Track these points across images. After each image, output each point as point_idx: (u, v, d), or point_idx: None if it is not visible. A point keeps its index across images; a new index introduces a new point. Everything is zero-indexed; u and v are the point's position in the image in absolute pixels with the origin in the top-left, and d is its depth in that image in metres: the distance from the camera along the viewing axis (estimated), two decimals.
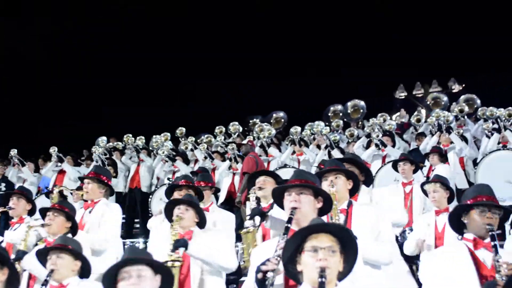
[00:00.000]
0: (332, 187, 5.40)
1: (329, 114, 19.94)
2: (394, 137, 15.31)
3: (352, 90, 21.64)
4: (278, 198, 4.90)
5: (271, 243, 4.50)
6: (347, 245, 3.84)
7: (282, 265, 3.96)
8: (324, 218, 4.83)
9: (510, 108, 15.09)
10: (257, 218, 6.31)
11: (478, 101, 18.97)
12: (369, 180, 6.72)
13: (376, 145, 14.31)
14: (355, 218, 5.36)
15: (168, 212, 6.48)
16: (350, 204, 5.50)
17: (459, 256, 4.56)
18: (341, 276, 3.83)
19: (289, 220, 4.52)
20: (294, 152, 15.25)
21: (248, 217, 6.56)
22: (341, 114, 19.79)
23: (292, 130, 15.68)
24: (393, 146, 14.65)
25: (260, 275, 3.99)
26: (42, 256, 5.71)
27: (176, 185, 8.10)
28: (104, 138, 17.44)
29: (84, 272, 5.65)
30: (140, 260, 4.25)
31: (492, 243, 4.46)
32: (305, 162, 14.94)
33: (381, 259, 5.19)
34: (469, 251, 4.58)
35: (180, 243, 5.85)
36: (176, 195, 7.93)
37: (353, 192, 5.72)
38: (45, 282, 5.51)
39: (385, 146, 14.24)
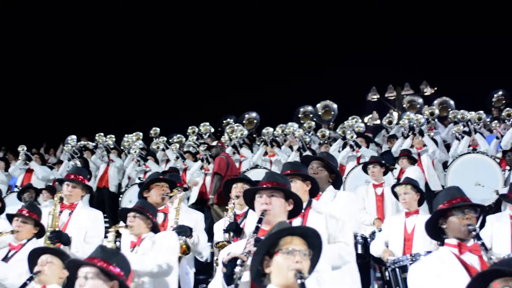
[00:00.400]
0: None
1: (299, 115, 19.91)
2: (369, 138, 15.39)
3: (324, 92, 21.62)
4: (249, 199, 4.94)
5: (239, 244, 4.49)
6: (315, 250, 3.87)
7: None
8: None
9: (480, 111, 15.22)
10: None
11: (452, 104, 19.12)
12: (338, 181, 6.70)
13: (351, 146, 14.36)
14: (310, 221, 5.38)
15: (124, 219, 6.57)
16: (308, 206, 5.53)
17: (447, 263, 4.53)
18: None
19: (260, 220, 4.58)
20: (266, 153, 15.26)
21: (224, 231, 6.59)
22: (311, 115, 19.76)
23: (264, 131, 15.73)
24: (368, 147, 14.73)
25: (224, 269, 3.99)
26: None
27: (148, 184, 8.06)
28: (74, 137, 17.29)
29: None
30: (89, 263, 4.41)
31: (479, 242, 4.45)
32: (277, 163, 14.94)
33: (333, 262, 5.10)
34: (455, 257, 4.57)
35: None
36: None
37: (314, 192, 5.75)
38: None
39: (359, 147, 14.30)
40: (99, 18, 25.77)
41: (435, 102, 19.41)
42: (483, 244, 4.40)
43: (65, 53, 25.74)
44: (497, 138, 14.34)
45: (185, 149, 16.51)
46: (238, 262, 3.97)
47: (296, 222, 5.31)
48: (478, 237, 4.48)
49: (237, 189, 7.60)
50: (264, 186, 4.80)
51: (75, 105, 25.35)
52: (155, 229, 6.53)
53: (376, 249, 8.24)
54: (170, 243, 6.41)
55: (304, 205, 5.42)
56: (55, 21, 25.47)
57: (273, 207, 4.67)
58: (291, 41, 26.22)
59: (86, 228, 7.41)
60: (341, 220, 5.46)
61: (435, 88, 23.88)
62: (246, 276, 4.05)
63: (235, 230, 6.41)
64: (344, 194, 6.66)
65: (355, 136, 14.54)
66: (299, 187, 5.56)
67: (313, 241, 3.87)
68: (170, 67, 26.60)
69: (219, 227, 7.30)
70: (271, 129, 15.76)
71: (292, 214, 4.87)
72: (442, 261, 4.54)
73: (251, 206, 4.95)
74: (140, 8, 26.56)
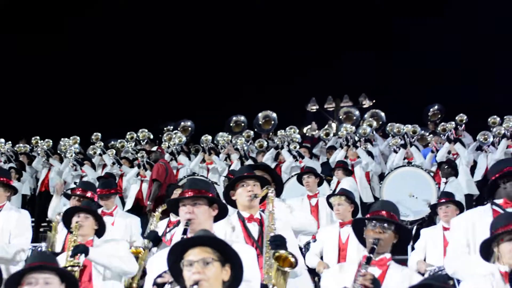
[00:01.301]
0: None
1: (231, 124, 19.90)
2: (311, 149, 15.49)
3: (266, 102, 21.66)
4: (173, 208, 4.96)
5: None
6: (227, 254, 3.78)
7: None
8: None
9: (415, 125, 15.48)
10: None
11: (383, 116, 19.40)
12: (279, 190, 6.72)
13: (294, 157, 14.41)
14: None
15: (67, 220, 6.37)
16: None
17: (348, 270, 4.58)
18: (229, 284, 3.77)
19: (185, 231, 4.55)
20: (204, 161, 15.21)
21: (143, 237, 6.54)
22: (243, 124, 19.78)
23: (202, 138, 15.69)
24: (311, 157, 14.82)
25: (158, 283, 3.95)
26: None
27: (71, 194, 8.02)
28: (2, 140, 16.91)
29: None
30: (49, 267, 4.25)
31: (368, 255, 4.48)
32: (214, 171, 14.95)
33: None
34: (356, 268, 4.59)
35: (80, 249, 5.81)
36: (73, 202, 7.84)
37: (263, 200, 5.72)
38: None
39: (302, 157, 14.37)
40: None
41: (366, 114, 19.70)
42: (368, 258, 4.46)
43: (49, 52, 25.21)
44: (432, 151, 14.58)
45: (122, 155, 16.35)
46: (166, 279, 3.97)
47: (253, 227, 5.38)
48: (371, 250, 4.53)
49: (177, 195, 7.51)
50: (187, 195, 4.77)
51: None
52: (100, 233, 6.41)
53: (311, 260, 8.26)
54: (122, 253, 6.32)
55: (259, 212, 5.53)
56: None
57: (197, 216, 4.66)
58: (238, 53, 26.22)
59: (10, 229, 7.27)
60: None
61: (374, 101, 24.18)
62: None
63: (154, 240, 6.37)
64: (282, 205, 6.68)
65: (298, 146, 14.61)
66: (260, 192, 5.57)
67: (220, 246, 3.79)
68: (167, 68, 26.30)
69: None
70: (209, 137, 15.73)
71: (217, 219, 4.87)
72: (349, 270, 4.60)
73: (177, 212, 4.89)
74: (135, 11, 26.29)
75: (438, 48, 24.92)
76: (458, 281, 7.17)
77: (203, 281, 3.62)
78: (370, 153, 14.88)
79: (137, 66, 25.46)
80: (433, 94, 22.26)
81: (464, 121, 16.18)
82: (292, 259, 4.56)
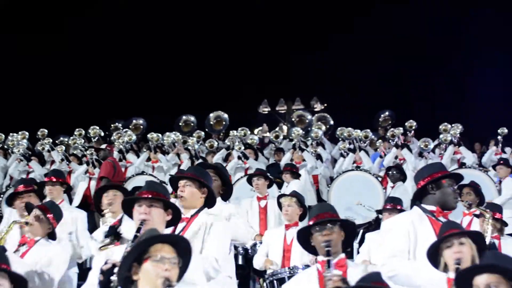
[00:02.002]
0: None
1: (180, 124, 19.83)
2: (257, 151, 15.50)
3: (218, 102, 21.64)
4: (127, 208, 4.91)
5: (119, 249, 4.44)
6: (184, 259, 3.86)
7: None
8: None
9: (367, 130, 15.65)
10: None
11: (330, 119, 19.58)
12: (228, 191, 6.72)
13: (239, 158, 14.43)
14: (190, 229, 5.30)
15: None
16: (195, 213, 5.44)
17: (309, 281, 4.59)
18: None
19: (138, 230, 4.54)
20: (149, 159, 15.16)
21: (104, 235, 6.46)
22: (192, 124, 19.73)
23: (149, 136, 15.61)
24: (256, 159, 14.85)
25: (101, 277, 3.94)
26: None
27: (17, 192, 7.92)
28: None
29: None
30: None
31: (326, 259, 4.52)
32: (159, 169, 14.90)
33: (195, 277, 4.89)
34: (317, 275, 4.62)
35: None
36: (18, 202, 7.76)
37: (210, 201, 5.66)
38: None
39: (247, 158, 14.40)
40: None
41: (314, 117, 19.86)
42: (328, 262, 4.47)
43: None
44: (381, 156, 14.75)
45: (71, 152, 16.18)
46: (115, 270, 3.91)
47: (179, 226, 5.28)
48: (328, 253, 4.54)
49: (108, 197, 7.40)
50: (144, 196, 4.78)
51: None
52: (53, 235, 6.34)
53: (258, 262, 8.33)
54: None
55: (193, 211, 5.43)
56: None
57: (152, 217, 4.68)
58: (192, 53, 26.18)
59: None
60: (218, 234, 5.34)
61: (325, 105, 24.36)
62: None
63: (115, 234, 6.30)
64: (232, 207, 6.70)
65: (242, 147, 14.64)
66: (192, 192, 5.51)
67: (183, 249, 3.87)
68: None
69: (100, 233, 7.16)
70: (155, 135, 15.66)
71: (170, 224, 4.90)
72: (304, 278, 4.62)
73: (129, 215, 4.91)
74: (135, 11, 26.10)
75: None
76: None
77: (172, 281, 3.69)
78: (319, 157, 15.01)
79: (134, 65, 25.40)
80: (384, 99, 22.55)
81: (413, 127, 16.42)
82: None
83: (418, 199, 5.47)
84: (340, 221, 4.82)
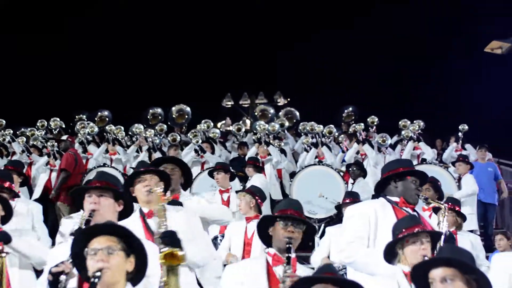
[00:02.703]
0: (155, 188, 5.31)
1: (148, 117, 19.70)
2: (214, 145, 15.44)
3: (180, 95, 21.58)
4: (78, 198, 4.82)
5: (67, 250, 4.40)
6: (133, 245, 3.78)
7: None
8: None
9: (330, 125, 15.74)
10: None
11: (298, 115, 19.63)
12: (188, 183, 6.69)
13: (196, 151, 14.39)
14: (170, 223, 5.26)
15: None
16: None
17: (256, 271, 4.58)
18: (133, 276, 3.77)
19: (88, 222, 4.45)
20: (107, 151, 15.10)
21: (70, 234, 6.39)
22: (160, 117, 19.61)
23: (107, 128, 15.53)
24: (212, 153, 14.82)
25: (50, 277, 3.88)
26: None
27: None
28: None
29: None
30: None
31: (286, 255, 4.52)
32: (117, 161, 14.83)
33: (196, 260, 5.15)
34: (266, 267, 4.61)
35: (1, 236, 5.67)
36: None
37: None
38: None
39: (204, 152, 14.37)
40: None
41: (281, 112, 19.90)
42: (288, 258, 4.46)
43: None
44: (343, 151, 14.83)
45: (31, 143, 15.99)
46: (61, 269, 3.88)
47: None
48: (289, 250, 4.53)
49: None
50: (94, 185, 4.72)
51: None
52: (6, 219, 6.23)
53: (220, 255, 8.36)
54: None
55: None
56: None
57: (102, 207, 4.60)
58: (158, 46, 26.15)
59: None
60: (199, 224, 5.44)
61: (288, 99, 24.45)
62: (72, 283, 3.97)
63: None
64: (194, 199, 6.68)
65: (200, 141, 14.59)
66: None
67: (125, 236, 3.78)
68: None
69: (67, 223, 7.05)
70: (113, 127, 15.60)
71: (122, 216, 4.80)
72: (251, 268, 4.60)
73: (81, 206, 4.82)
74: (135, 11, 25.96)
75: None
76: None
77: (107, 269, 3.59)
78: (283, 151, 15.06)
79: (103, 58, 25.33)
80: (348, 96, 22.71)
81: (375, 123, 16.53)
82: (180, 253, 4.49)
83: (380, 191, 5.57)
84: (307, 225, 4.82)
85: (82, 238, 3.76)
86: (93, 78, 25.47)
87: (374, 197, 12.45)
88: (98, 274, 3.56)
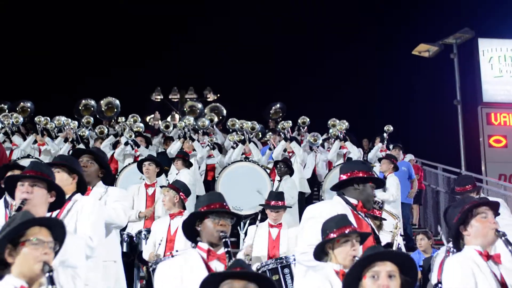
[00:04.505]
0: None
1: (80, 108, 19.44)
2: (149, 139, 15.40)
3: (109, 89, 21.38)
4: (11, 187, 4.79)
5: None
6: (60, 244, 3.80)
7: None
8: None
9: (254, 121, 15.84)
10: None
11: (224, 111, 19.71)
12: (108, 177, 6.62)
13: (126, 144, 14.29)
14: (64, 213, 5.21)
15: None
16: (68, 199, 5.31)
17: (194, 266, 4.55)
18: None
19: (19, 209, 4.43)
20: (36, 142, 14.86)
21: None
22: (92, 109, 19.37)
23: (36, 119, 15.33)
24: (147, 147, 14.76)
25: None
26: None
27: None
28: None
29: None
30: None
31: (226, 250, 4.50)
32: (46, 152, 14.66)
33: (74, 254, 4.75)
34: (203, 262, 4.58)
35: None
36: None
37: (81, 186, 5.58)
38: None
39: (138, 146, 14.29)
40: None
41: (207, 108, 19.96)
42: (228, 252, 4.45)
43: None
44: (270, 149, 14.92)
45: None
46: None
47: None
48: (226, 244, 4.53)
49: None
50: (28, 174, 4.69)
51: None
52: None
53: (146, 253, 8.36)
54: None
55: (66, 197, 5.27)
56: None
57: (34, 197, 4.59)
58: (85, 37, 25.83)
59: None
60: (89, 209, 5.29)
61: (218, 95, 24.49)
62: None
63: None
64: (115, 190, 6.61)
65: (133, 135, 14.50)
66: (61, 179, 5.37)
67: (60, 234, 3.80)
68: None
69: None
70: (42, 118, 15.37)
71: (53, 206, 4.80)
72: (186, 265, 4.57)
73: (12, 195, 4.80)
74: None
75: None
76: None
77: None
78: (218, 146, 15.17)
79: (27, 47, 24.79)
80: (277, 93, 22.89)
81: (306, 123, 16.71)
82: None
83: (340, 189, 5.61)
84: (236, 217, 4.84)
85: (22, 226, 3.70)
86: (13, 67, 24.97)
87: (300, 195, 12.68)
88: (52, 267, 3.58)
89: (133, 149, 14.26)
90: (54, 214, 5.10)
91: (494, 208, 4.65)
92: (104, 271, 5.93)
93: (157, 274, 4.71)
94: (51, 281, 3.50)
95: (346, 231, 4.77)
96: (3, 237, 3.67)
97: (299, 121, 16.63)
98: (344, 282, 3.87)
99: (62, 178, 5.41)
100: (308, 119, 16.74)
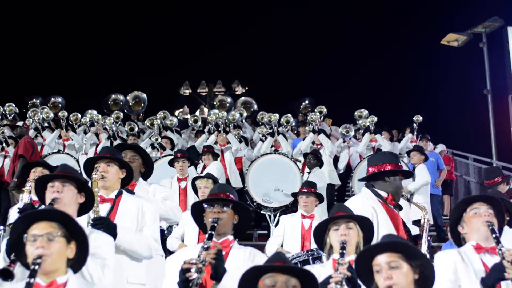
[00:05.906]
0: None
1: (109, 102, 19.52)
2: (172, 140, 15.39)
3: (137, 83, 21.50)
4: (40, 187, 4.82)
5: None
6: (74, 232, 3.75)
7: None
8: None
9: (288, 115, 15.84)
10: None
11: (255, 104, 19.67)
12: (148, 172, 6.67)
13: (153, 147, 14.35)
14: (121, 208, 5.31)
15: None
16: (119, 194, 5.43)
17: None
18: (74, 263, 3.74)
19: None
20: (60, 137, 15.05)
21: (18, 210, 6.34)
22: (121, 103, 19.45)
23: (60, 114, 15.46)
24: (172, 148, 14.77)
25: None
26: None
27: None
28: None
29: None
30: None
31: (209, 232, 4.39)
32: (70, 147, 14.90)
33: (141, 251, 5.18)
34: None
35: None
36: None
37: (127, 181, 5.65)
38: None
39: (164, 149, 14.32)
40: None
41: (238, 102, 19.92)
42: (210, 235, 4.40)
43: None
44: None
45: None
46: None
47: (105, 208, 5.27)
48: (212, 228, 4.44)
49: (36, 173, 7.32)
50: (58, 174, 4.73)
51: None
52: None
53: (171, 244, 8.41)
54: None
55: (115, 192, 5.42)
56: None
57: (64, 196, 4.61)
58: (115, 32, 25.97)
59: None
60: (152, 214, 5.41)
61: (246, 88, 24.48)
62: None
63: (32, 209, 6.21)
64: (160, 188, 6.67)
65: (159, 139, 14.53)
66: (114, 173, 5.46)
67: (65, 222, 3.74)
68: None
69: (16, 210, 7.03)
70: (66, 113, 15.60)
71: (83, 208, 4.79)
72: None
73: (41, 194, 4.81)
74: None
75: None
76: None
77: (46, 257, 3.55)
78: (244, 139, 15.13)
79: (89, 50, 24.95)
80: (303, 87, 22.84)
81: (323, 113, 16.60)
82: None
83: (370, 180, 5.63)
84: (235, 203, 4.77)
85: (22, 223, 3.72)
86: (46, 63, 25.14)
87: (329, 187, 12.67)
88: (38, 261, 3.51)
89: (158, 151, 14.31)
90: (106, 208, 5.27)
91: (488, 201, 4.62)
92: (150, 265, 5.96)
93: (166, 265, 4.72)
94: (33, 274, 3.46)
95: (336, 216, 4.82)
96: (10, 243, 3.73)
97: (315, 110, 16.50)
98: (360, 280, 3.92)
99: (114, 172, 5.48)
100: (325, 109, 16.61)
